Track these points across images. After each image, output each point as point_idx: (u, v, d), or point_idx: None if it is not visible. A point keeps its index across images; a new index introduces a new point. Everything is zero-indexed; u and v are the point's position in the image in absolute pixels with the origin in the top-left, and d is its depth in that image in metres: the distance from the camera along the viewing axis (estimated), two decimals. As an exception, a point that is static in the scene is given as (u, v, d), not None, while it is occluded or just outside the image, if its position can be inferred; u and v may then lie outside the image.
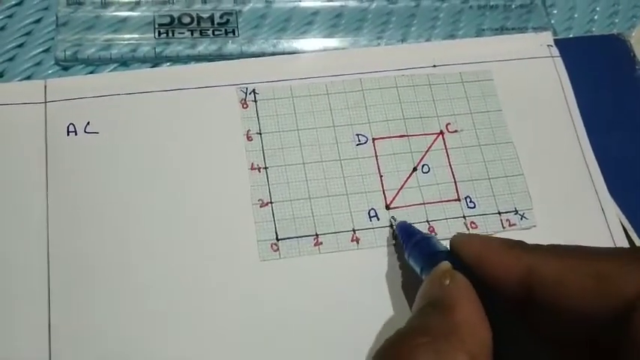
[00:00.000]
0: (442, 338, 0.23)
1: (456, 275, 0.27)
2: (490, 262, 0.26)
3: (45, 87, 0.42)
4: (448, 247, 0.33)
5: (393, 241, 0.40)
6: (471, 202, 0.43)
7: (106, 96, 0.43)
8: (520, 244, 0.26)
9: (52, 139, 0.41)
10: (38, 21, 0.47)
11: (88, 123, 0.42)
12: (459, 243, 0.30)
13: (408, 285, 0.39)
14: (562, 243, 0.42)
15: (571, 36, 0.52)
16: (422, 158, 0.44)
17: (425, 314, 0.25)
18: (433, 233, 0.41)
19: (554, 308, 0.24)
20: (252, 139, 0.42)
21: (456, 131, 0.45)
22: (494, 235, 0.40)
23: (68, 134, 0.41)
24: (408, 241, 0.37)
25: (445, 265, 0.29)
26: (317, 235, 0.41)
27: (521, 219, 0.43)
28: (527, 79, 0.47)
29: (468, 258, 0.29)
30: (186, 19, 0.48)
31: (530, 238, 0.41)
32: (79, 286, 0.38)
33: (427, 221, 0.42)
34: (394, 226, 0.41)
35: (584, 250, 0.24)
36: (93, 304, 0.38)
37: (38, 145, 0.41)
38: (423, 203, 0.42)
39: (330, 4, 0.50)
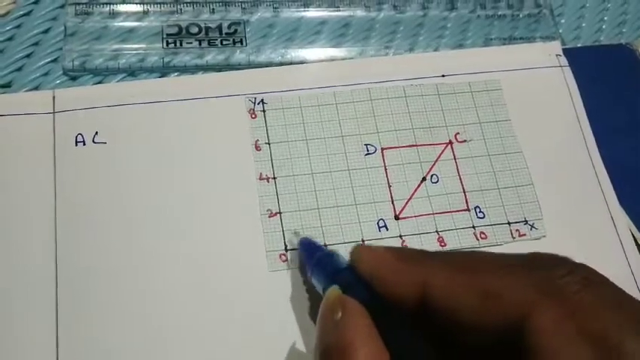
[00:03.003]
0: None
1: (347, 305, 0.26)
2: (385, 278, 0.26)
3: (53, 97, 0.42)
4: None
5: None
6: (480, 212, 0.42)
7: (114, 106, 0.43)
8: (413, 257, 0.26)
9: (61, 149, 0.41)
10: (46, 31, 0.47)
11: (97, 133, 0.41)
12: (356, 258, 0.29)
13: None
14: (573, 254, 0.42)
15: (579, 45, 0.52)
16: (431, 168, 0.43)
17: None
18: (443, 244, 0.41)
19: (449, 322, 0.23)
20: (260, 149, 0.42)
21: (464, 141, 0.44)
22: (404, 248, 0.39)
23: (76, 144, 0.41)
24: (310, 259, 0.36)
25: (334, 293, 0.28)
26: (326, 245, 0.40)
27: (531, 229, 0.42)
28: (535, 88, 0.47)
29: (365, 274, 0.28)
30: (194, 29, 0.48)
31: (540, 248, 0.41)
32: (86, 297, 0.38)
33: (437, 231, 0.42)
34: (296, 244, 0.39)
35: (474, 263, 0.24)
36: (100, 313, 0.38)
37: (46, 156, 0.41)
38: (433, 213, 0.42)
39: (338, 13, 0.50)
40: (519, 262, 0.23)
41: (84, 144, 0.41)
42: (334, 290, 0.28)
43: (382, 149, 0.44)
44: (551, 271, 0.22)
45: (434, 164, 0.44)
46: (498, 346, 0.23)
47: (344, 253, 0.40)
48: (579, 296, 0.21)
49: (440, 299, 0.23)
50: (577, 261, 0.41)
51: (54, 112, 0.42)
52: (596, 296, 0.22)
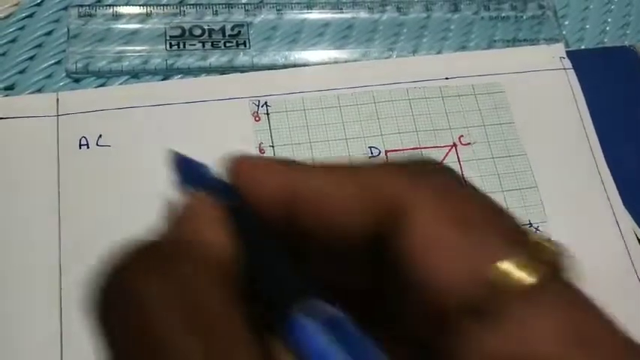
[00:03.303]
0: (172, 253, 0.21)
1: (197, 197, 0.23)
2: (254, 182, 0.23)
3: (57, 100, 0.42)
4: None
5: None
6: (484, 215, 0.42)
7: (118, 109, 0.42)
8: (287, 162, 0.23)
9: (65, 152, 0.41)
10: (49, 33, 0.47)
11: (100, 136, 0.41)
12: (230, 165, 0.27)
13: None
14: (577, 256, 0.42)
15: (583, 47, 0.52)
16: (435, 171, 0.43)
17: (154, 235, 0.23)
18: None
19: (319, 228, 0.22)
20: (264, 152, 0.42)
21: (468, 144, 0.44)
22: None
23: (80, 147, 0.41)
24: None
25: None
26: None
27: (536, 232, 0.42)
28: (539, 91, 0.47)
29: (233, 180, 0.26)
30: (198, 31, 0.48)
31: (545, 251, 0.41)
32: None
33: (441, 234, 0.42)
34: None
35: (349, 166, 0.22)
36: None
37: (50, 158, 0.41)
38: (437, 216, 0.42)
39: (341, 15, 0.50)
40: (390, 162, 0.23)
41: (88, 147, 0.41)
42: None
43: (386, 152, 0.44)
44: (423, 165, 0.22)
45: (438, 167, 0.43)
46: (359, 257, 0.22)
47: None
48: (450, 187, 0.20)
49: (312, 202, 0.22)
50: (581, 264, 0.41)
51: (58, 115, 0.42)
52: (465, 188, 0.21)
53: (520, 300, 0.18)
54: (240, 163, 0.23)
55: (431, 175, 0.21)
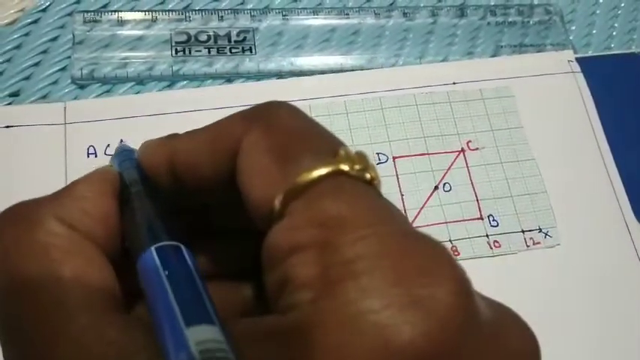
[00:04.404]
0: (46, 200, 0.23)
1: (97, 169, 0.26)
2: (145, 156, 0.26)
3: (65, 109, 0.42)
4: None
5: None
6: (493, 220, 0.42)
7: (125, 118, 0.42)
8: (168, 136, 0.26)
9: (72, 161, 0.41)
10: (54, 39, 0.47)
11: (108, 145, 0.41)
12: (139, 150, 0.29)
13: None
14: (587, 262, 0.42)
15: (590, 52, 0.51)
16: (443, 177, 0.43)
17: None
18: (456, 253, 0.41)
19: (193, 180, 0.25)
20: (272, 159, 0.42)
21: (477, 149, 0.44)
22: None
23: (88, 156, 0.41)
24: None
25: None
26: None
27: (545, 237, 0.42)
28: (548, 95, 0.46)
29: (139, 157, 0.28)
30: (203, 37, 0.48)
31: (555, 256, 0.41)
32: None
33: (450, 240, 0.41)
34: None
35: (208, 125, 0.25)
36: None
37: (58, 167, 0.40)
38: (445, 222, 0.42)
39: (347, 21, 0.50)
40: (239, 111, 0.25)
41: (95, 156, 0.41)
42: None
43: (394, 158, 0.43)
44: (261, 108, 0.24)
45: (446, 173, 0.43)
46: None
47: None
48: (278, 122, 0.23)
49: (181, 159, 0.24)
50: (590, 271, 0.41)
51: (65, 124, 0.42)
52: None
53: (303, 197, 0.20)
54: (142, 145, 0.27)
55: (264, 115, 0.23)
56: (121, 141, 0.41)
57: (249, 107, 0.24)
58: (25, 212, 0.23)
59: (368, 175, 0.21)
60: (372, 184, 0.21)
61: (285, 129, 0.23)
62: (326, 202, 0.20)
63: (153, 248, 0.21)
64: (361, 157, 0.21)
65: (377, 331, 0.17)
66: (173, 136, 0.26)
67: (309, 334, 0.18)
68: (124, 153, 0.31)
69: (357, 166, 0.21)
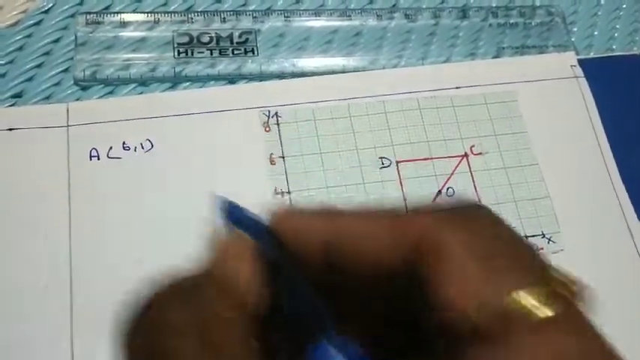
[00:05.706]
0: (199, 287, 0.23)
1: (237, 235, 0.26)
2: (295, 230, 0.25)
3: (67, 110, 0.42)
4: None
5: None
6: (496, 225, 0.42)
7: (128, 120, 0.42)
8: (322, 212, 0.25)
9: (75, 163, 0.41)
10: (57, 41, 0.46)
11: (111, 148, 0.41)
12: (273, 218, 0.29)
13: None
14: (591, 267, 0.42)
15: (592, 54, 0.51)
16: (446, 181, 0.43)
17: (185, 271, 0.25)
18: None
19: (352, 265, 0.23)
20: (275, 163, 0.42)
21: (480, 153, 0.44)
22: None
23: (91, 159, 0.41)
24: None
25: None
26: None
27: (549, 242, 0.42)
28: (551, 100, 0.46)
29: (277, 231, 0.26)
30: (206, 39, 0.47)
31: (559, 262, 0.40)
32: (101, 310, 0.38)
33: (453, 246, 0.41)
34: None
35: (377, 210, 0.24)
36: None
37: (61, 170, 0.40)
38: (449, 227, 0.42)
39: (349, 22, 0.50)
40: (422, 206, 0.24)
41: (98, 158, 0.41)
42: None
43: (397, 162, 0.43)
44: (451, 208, 0.24)
45: (449, 177, 0.43)
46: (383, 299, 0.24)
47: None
48: (480, 227, 0.22)
49: (346, 243, 0.23)
50: (594, 277, 0.41)
51: (68, 126, 0.42)
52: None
53: (531, 331, 0.19)
54: (284, 214, 0.25)
55: (467, 218, 0.22)
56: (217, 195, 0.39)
57: (446, 208, 0.24)
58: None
59: (581, 305, 0.21)
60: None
61: (490, 237, 0.22)
62: (565, 340, 0.20)
63: (327, 343, 0.21)
64: (572, 280, 0.21)
65: None
66: (331, 213, 0.25)
67: None
68: (235, 211, 0.30)
69: (574, 288, 0.21)
